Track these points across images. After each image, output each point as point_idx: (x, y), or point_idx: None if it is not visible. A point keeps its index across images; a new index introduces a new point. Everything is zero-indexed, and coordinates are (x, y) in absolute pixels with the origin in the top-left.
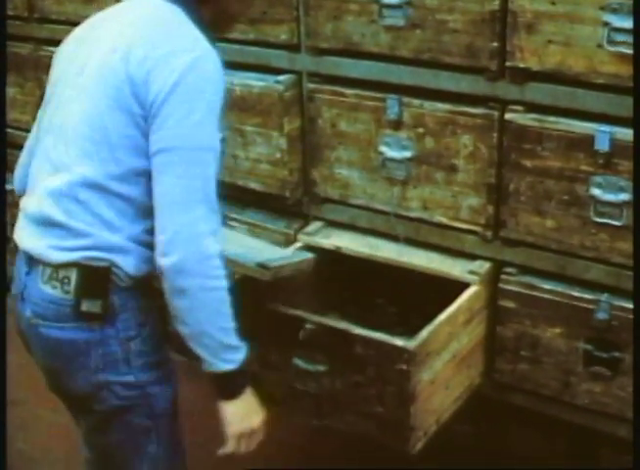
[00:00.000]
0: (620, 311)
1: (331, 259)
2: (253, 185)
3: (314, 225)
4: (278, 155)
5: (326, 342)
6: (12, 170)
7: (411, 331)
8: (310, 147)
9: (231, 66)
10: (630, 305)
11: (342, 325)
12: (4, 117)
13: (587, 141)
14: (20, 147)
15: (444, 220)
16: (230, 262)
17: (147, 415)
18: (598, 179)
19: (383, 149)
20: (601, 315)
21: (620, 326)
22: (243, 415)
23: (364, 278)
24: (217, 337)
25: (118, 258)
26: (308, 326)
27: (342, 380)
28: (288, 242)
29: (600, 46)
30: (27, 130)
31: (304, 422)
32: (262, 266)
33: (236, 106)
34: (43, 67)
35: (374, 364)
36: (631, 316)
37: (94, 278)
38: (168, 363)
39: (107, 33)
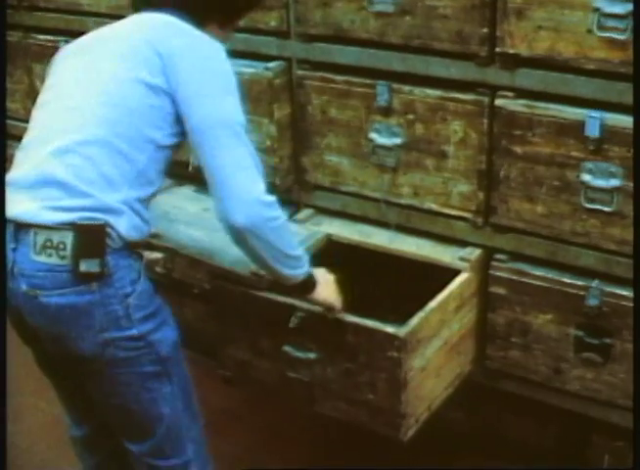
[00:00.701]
0: (611, 298)
1: (322, 247)
2: None
3: (305, 213)
4: (268, 142)
5: (317, 329)
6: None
7: (402, 318)
8: (300, 134)
9: None
10: (621, 292)
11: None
12: (4, 118)
13: (577, 127)
14: (9, 136)
15: (435, 207)
16: (225, 271)
17: (154, 361)
18: (588, 165)
19: (373, 136)
20: (592, 302)
21: (611, 312)
22: (326, 293)
23: (355, 265)
24: (291, 254)
25: (113, 220)
26: (299, 314)
27: (333, 367)
28: None
29: (590, 31)
30: (16, 119)
31: (296, 409)
32: (256, 275)
33: None
34: (32, 54)
35: (365, 352)
36: (622, 303)
37: (91, 238)
38: (163, 311)
39: (122, 33)
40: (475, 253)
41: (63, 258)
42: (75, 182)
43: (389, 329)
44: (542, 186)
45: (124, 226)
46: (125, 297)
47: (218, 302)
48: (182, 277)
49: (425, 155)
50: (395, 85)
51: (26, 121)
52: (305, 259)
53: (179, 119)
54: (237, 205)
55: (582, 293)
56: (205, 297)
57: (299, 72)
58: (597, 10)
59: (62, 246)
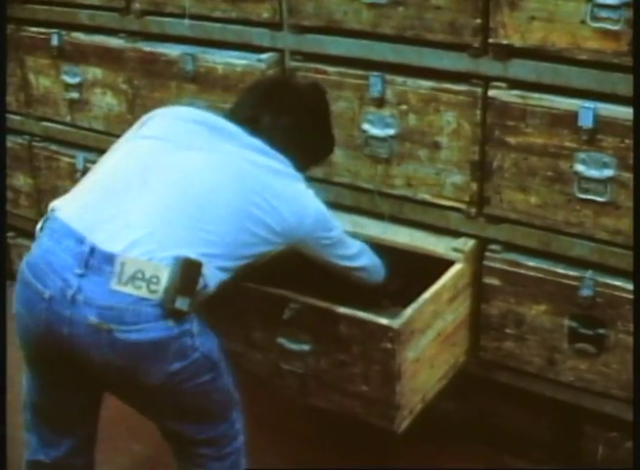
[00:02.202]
0: (605, 288)
1: None
2: None
3: None
4: None
5: (310, 321)
6: None
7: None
8: None
9: (213, 44)
10: (615, 282)
11: (326, 304)
12: (4, 121)
13: (571, 117)
14: (14, 132)
15: (428, 198)
16: None
17: (209, 369)
18: (582, 155)
19: (366, 127)
20: (585, 292)
21: (605, 303)
22: None
23: None
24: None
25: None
26: (292, 305)
27: (326, 359)
28: None
29: (583, 22)
30: (10, 111)
31: (290, 400)
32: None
33: (218, 85)
34: (24, 47)
35: (358, 343)
36: (616, 293)
37: (189, 275)
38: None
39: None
40: (468, 243)
41: (153, 292)
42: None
43: (383, 321)
44: (536, 177)
45: (214, 278)
46: (190, 329)
47: (211, 296)
48: None
49: (418, 146)
50: (388, 76)
51: (19, 114)
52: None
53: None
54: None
55: (576, 283)
56: None
57: (292, 64)
58: (590, 0)
59: (155, 279)
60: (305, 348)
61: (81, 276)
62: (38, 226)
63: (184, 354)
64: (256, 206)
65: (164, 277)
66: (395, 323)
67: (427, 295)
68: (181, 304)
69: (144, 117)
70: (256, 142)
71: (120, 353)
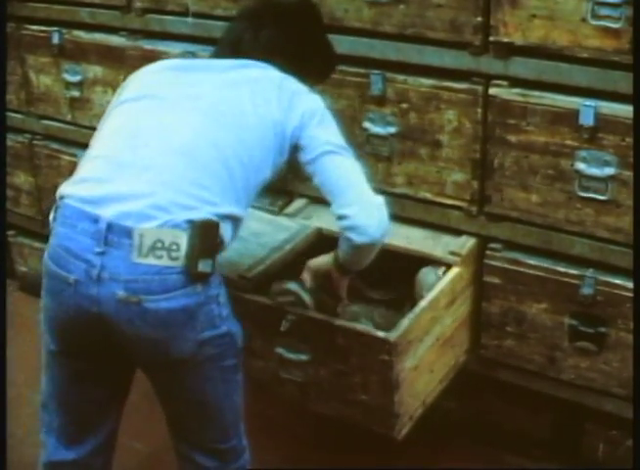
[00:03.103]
0: (605, 286)
1: (312, 241)
2: None
3: (296, 204)
4: None
5: (308, 332)
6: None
7: (395, 310)
8: None
9: (215, 42)
10: (616, 280)
11: (323, 316)
12: (4, 122)
13: (572, 115)
14: (14, 129)
15: (429, 196)
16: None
17: (234, 354)
18: (583, 154)
19: (367, 125)
20: (586, 290)
21: (606, 301)
22: None
23: None
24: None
25: (222, 223)
26: (290, 317)
27: (325, 369)
28: None
29: (584, 20)
30: (10, 110)
31: (290, 407)
32: (242, 277)
33: None
34: (25, 45)
35: (356, 354)
36: (617, 291)
37: (209, 237)
38: (231, 305)
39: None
40: (467, 245)
41: (175, 259)
42: (200, 180)
43: (380, 333)
44: (536, 175)
45: (227, 235)
46: (217, 296)
47: None
48: None
49: (419, 144)
50: (389, 74)
51: (19, 112)
52: None
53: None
54: (371, 215)
55: (577, 282)
56: None
57: None
58: None
59: (175, 247)
60: (304, 357)
61: (102, 254)
62: (51, 217)
63: (212, 323)
64: (247, 126)
65: (184, 243)
66: (392, 336)
67: (423, 303)
68: (204, 266)
69: (123, 83)
70: (235, 61)
71: (152, 324)
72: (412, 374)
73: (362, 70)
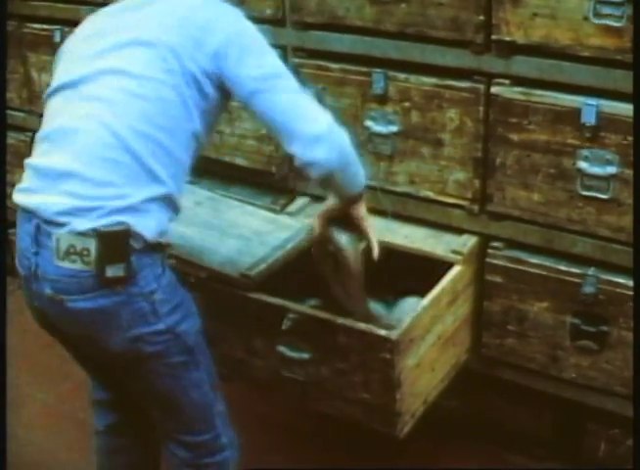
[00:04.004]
0: (607, 285)
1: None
2: (240, 161)
3: (298, 203)
4: (264, 130)
5: (309, 331)
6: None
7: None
8: None
9: None
10: (617, 279)
11: (325, 315)
12: (4, 123)
13: (574, 114)
14: (14, 127)
15: (431, 195)
16: (214, 272)
17: (182, 352)
18: (585, 152)
19: (368, 123)
20: (588, 289)
21: (607, 300)
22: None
23: None
24: (359, 178)
25: (136, 221)
26: (291, 316)
27: (326, 367)
28: None
29: (586, 19)
30: (12, 108)
31: (292, 406)
32: (244, 276)
33: None
34: (27, 44)
35: (358, 353)
36: (618, 290)
37: (115, 244)
38: (187, 300)
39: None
40: (469, 243)
41: (87, 264)
42: (102, 177)
43: (381, 332)
44: (538, 174)
45: (149, 228)
46: (151, 293)
47: (211, 302)
48: (178, 266)
49: (421, 143)
50: (391, 73)
51: (22, 111)
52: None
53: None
54: (320, 133)
55: (578, 280)
56: (202, 287)
57: (295, 60)
58: None
59: (85, 252)
60: (305, 356)
61: (36, 254)
62: None
63: (144, 320)
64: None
65: (93, 249)
66: (394, 334)
67: (425, 302)
68: (113, 272)
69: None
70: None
71: (76, 323)
72: (414, 373)
73: (364, 69)
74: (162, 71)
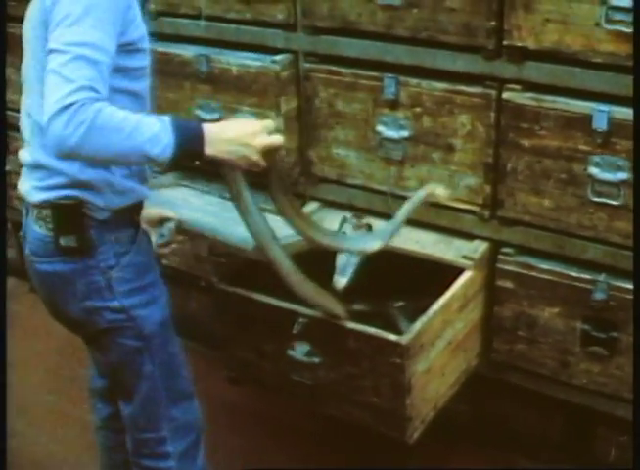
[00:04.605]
0: (618, 291)
1: None
2: None
3: (310, 206)
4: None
5: (320, 335)
6: (10, 151)
7: (408, 311)
8: (307, 127)
9: (227, 45)
10: (628, 285)
11: (335, 319)
12: (4, 123)
13: (585, 120)
14: (15, 128)
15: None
16: (228, 247)
17: (136, 337)
18: (596, 158)
19: (380, 128)
20: (598, 295)
21: (618, 306)
22: (220, 147)
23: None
24: (133, 144)
25: (90, 194)
26: (301, 320)
27: (336, 371)
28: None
29: (598, 24)
30: (12, 109)
31: (301, 410)
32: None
33: (232, 86)
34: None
35: (368, 357)
36: (629, 296)
37: (66, 215)
38: (154, 288)
39: None
40: (479, 249)
41: (49, 230)
42: (51, 162)
43: (392, 337)
44: (549, 179)
45: (103, 198)
46: (108, 269)
47: (221, 305)
48: (189, 269)
49: (432, 148)
50: (402, 78)
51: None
52: (162, 127)
53: None
54: (49, 111)
55: (589, 286)
56: (212, 290)
57: (306, 65)
58: (604, 3)
59: (48, 219)
60: (315, 360)
61: (26, 216)
62: None
63: (98, 294)
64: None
65: (50, 217)
66: (404, 339)
67: (435, 307)
68: (65, 241)
69: None
70: None
71: (41, 284)
72: (424, 377)
73: (375, 74)
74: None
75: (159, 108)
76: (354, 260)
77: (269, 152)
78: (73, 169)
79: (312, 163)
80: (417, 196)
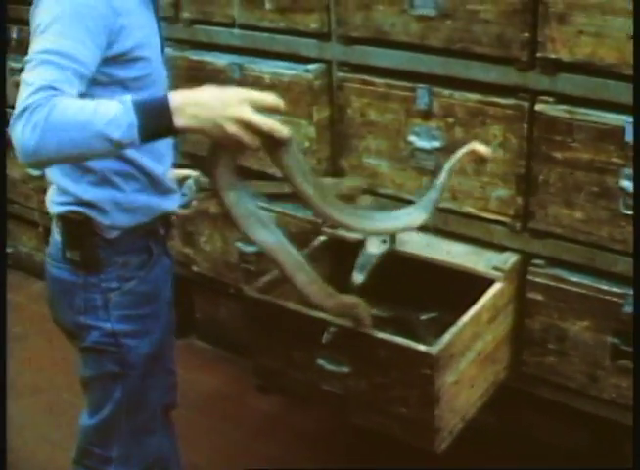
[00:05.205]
0: None
1: (332, 248)
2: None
3: None
4: (307, 143)
5: (349, 344)
6: None
7: (438, 323)
8: (339, 136)
9: (261, 54)
10: None
11: (365, 329)
12: (4, 123)
13: (618, 133)
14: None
15: (473, 211)
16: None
17: (117, 363)
18: (628, 171)
19: (412, 139)
20: (629, 309)
21: None
22: (201, 109)
23: (387, 271)
24: (92, 132)
25: (95, 214)
26: (331, 329)
27: (366, 381)
28: (315, 231)
29: (631, 37)
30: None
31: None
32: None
33: None
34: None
35: (397, 368)
36: None
37: (72, 230)
38: (151, 322)
39: None
40: (510, 260)
41: (60, 240)
42: (57, 180)
43: (421, 347)
44: (581, 192)
45: (110, 217)
46: (108, 290)
47: (250, 313)
48: (218, 276)
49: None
50: (435, 89)
51: None
52: (122, 108)
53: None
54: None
55: (619, 300)
56: (241, 298)
57: (339, 75)
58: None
59: (59, 230)
60: (345, 370)
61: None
62: None
63: (93, 312)
64: None
65: (60, 229)
66: (434, 350)
67: (465, 318)
68: (71, 255)
69: None
70: None
71: (49, 286)
72: (453, 389)
73: (408, 84)
74: None
75: None
76: (373, 260)
77: (275, 142)
78: (78, 188)
79: (344, 172)
80: (456, 155)
